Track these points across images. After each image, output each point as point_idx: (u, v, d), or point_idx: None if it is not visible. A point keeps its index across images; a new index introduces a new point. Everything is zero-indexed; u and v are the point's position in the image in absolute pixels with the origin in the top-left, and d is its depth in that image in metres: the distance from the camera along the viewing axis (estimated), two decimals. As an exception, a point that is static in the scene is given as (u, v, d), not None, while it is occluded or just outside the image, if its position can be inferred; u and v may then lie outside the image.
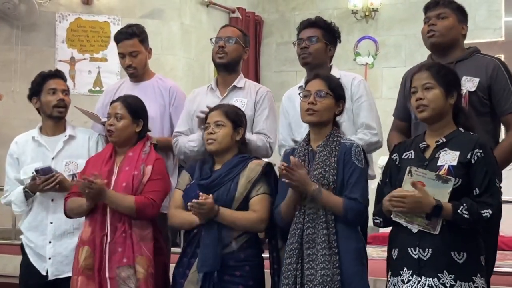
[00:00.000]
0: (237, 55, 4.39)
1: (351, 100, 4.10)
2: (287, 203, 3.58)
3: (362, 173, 3.55)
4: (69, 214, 4.10)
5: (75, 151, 4.35)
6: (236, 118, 3.87)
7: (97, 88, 8.95)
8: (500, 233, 7.61)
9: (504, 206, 7.55)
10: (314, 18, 4.29)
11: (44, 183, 4.17)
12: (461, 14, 4.01)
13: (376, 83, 10.21)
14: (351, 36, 10.45)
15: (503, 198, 7.02)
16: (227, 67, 4.36)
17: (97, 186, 3.79)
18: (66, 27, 9.02)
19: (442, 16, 3.95)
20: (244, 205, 3.74)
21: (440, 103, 3.29)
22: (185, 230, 3.92)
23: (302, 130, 3.98)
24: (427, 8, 4.06)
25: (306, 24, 4.26)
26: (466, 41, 10.15)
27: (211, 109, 3.94)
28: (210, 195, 3.63)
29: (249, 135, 4.10)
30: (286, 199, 3.58)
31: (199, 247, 3.72)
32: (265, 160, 4.00)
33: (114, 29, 8.92)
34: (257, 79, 10.82)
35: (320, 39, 4.19)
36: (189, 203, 3.62)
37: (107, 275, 3.85)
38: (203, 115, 4.03)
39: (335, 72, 4.19)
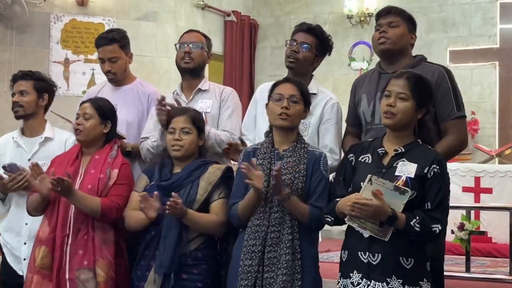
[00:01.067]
0: (202, 60, 4.43)
1: (320, 119, 4.13)
2: (246, 203, 3.60)
3: (327, 183, 3.62)
4: (29, 211, 4.10)
5: (50, 153, 4.30)
6: (200, 124, 3.94)
7: (94, 85, 8.91)
8: (493, 240, 7.70)
9: (495, 213, 7.62)
10: (314, 25, 4.29)
11: (11, 182, 4.16)
12: (411, 23, 4.09)
13: (370, 88, 10.21)
14: (346, 41, 10.48)
15: (494, 204, 7.06)
16: (193, 72, 4.39)
17: (67, 183, 3.77)
18: (61, 28, 8.99)
19: (393, 24, 4.02)
20: (202, 208, 3.79)
21: (409, 116, 3.34)
22: (140, 230, 3.90)
23: (265, 128, 3.95)
24: (378, 16, 4.14)
25: (304, 28, 4.25)
26: (463, 48, 10.14)
27: (176, 113, 3.96)
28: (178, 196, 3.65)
29: (213, 130, 4.17)
30: (246, 199, 3.60)
31: (158, 249, 3.75)
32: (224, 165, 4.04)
33: (108, 31, 8.90)
34: (251, 83, 10.83)
35: (312, 48, 4.20)
36: (168, 202, 3.61)
37: (66, 276, 3.84)
38: (162, 103, 4.03)
39: (313, 84, 4.22)
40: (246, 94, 10.45)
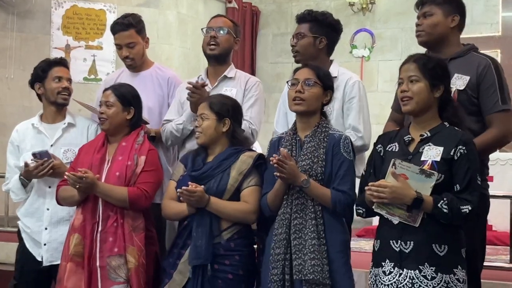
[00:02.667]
0: (228, 46, 4.38)
1: (342, 100, 4.09)
2: (275, 193, 3.58)
3: (350, 165, 3.56)
4: (60, 202, 4.10)
5: (73, 139, 4.33)
6: (221, 110, 3.84)
7: (92, 76, 8.92)
8: (493, 228, 7.70)
9: (496, 201, 7.60)
10: (303, 13, 4.25)
11: (37, 169, 4.14)
12: (450, 5, 3.97)
13: (372, 76, 10.21)
14: (347, 28, 10.37)
15: (495, 192, 7.05)
16: (218, 58, 4.35)
17: (88, 180, 3.78)
18: (62, 14, 8.98)
19: (427, 14, 3.95)
20: (235, 197, 3.74)
21: (425, 97, 3.30)
22: (178, 220, 3.90)
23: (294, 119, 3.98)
24: (417, 6, 4.07)
25: (297, 20, 4.25)
26: (465, 35, 10.11)
27: (201, 101, 3.94)
28: (202, 186, 3.63)
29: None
30: (274, 190, 3.58)
31: (189, 239, 3.71)
32: (257, 151, 3.99)
33: (110, 17, 8.89)
34: (252, 70, 10.81)
35: (306, 34, 4.16)
36: (178, 190, 3.63)
37: (97, 263, 3.84)
38: (190, 86, 4.06)
39: (334, 68, 4.16)
40: (248, 81, 10.43)
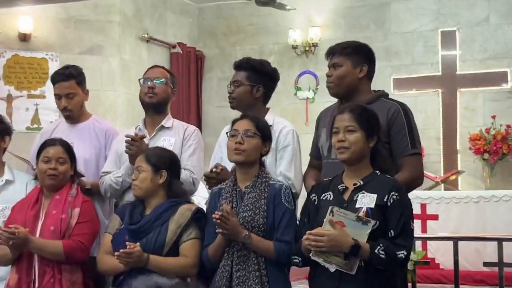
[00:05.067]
0: (166, 96, 4.41)
1: (276, 148, 4.09)
2: (216, 247, 3.58)
3: (292, 215, 3.58)
4: None
5: (12, 196, 4.24)
6: (158, 162, 3.83)
7: (35, 126, 8.80)
8: (440, 267, 7.77)
9: (442, 242, 7.64)
10: (240, 60, 4.27)
11: None
12: (358, 56, 4.02)
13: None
14: (291, 70, 10.55)
15: (440, 234, 7.11)
16: (156, 107, 4.37)
17: (20, 236, 3.73)
18: (3, 64, 8.88)
19: (337, 65, 4.01)
20: (174, 250, 3.71)
21: (361, 146, 3.38)
22: (113, 275, 3.84)
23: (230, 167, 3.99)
24: (327, 56, 4.13)
25: (234, 67, 4.27)
26: (406, 75, 10.23)
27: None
28: (138, 243, 3.59)
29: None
30: (215, 244, 3.58)
31: None
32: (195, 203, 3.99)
33: (52, 66, 8.82)
34: (199, 114, 10.81)
35: (243, 82, 4.17)
36: (116, 253, 3.57)
37: None
38: (128, 138, 4.06)
39: (270, 116, 4.18)
40: (194, 125, 10.39)
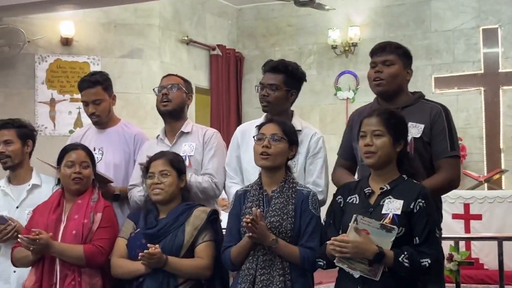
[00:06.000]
0: (181, 101, 4.40)
1: (306, 154, 4.09)
2: (240, 249, 3.58)
3: (318, 221, 3.58)
4: (15, 264, 4.08)
5: (38, 200, 4.27)
6: (180, 166, 3.91)
7: (77, 129, 8.89)
8: (484, 267, 7.67)
9: (486, 242, 7.57)
10: (277, 62, 4.21)
11: (1, 233, 4.14)
12: (407, 59, 4.02)
13: (357, 117, 10.24)
14: (331, 71, 10.52)
15: (484, 234, 7.03)
16: (172, 114, 4.37)
17: (41, 242, 3.78)
18: (46, 68, 9.01)
19: (388, 63, 3.96)
20: (189, 252, 3.76)
21: (388, 151, 3.35)
22: (129, 279, 3.86)
23: (249, 167, 4.01)
24: (373, 53, 4.06)
25: (268, 69, 4.19)
26: (447, 74, 10.18)
27: (154, 158, 3.94)
28: (157, 245, 3.64)
29: (194, 177, 4.14)
30: (239, 246, 3.58)
31: None
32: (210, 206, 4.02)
33: (93, 69, 8.93)
34: (239, 115, 10.84)
35: (281, 86, 4.12)
36: (140, 254, 3.60)
37: None
38: (143, 164, 4.04)
39: (296, 121, 4.15)
40: (234, 127, 10.40)
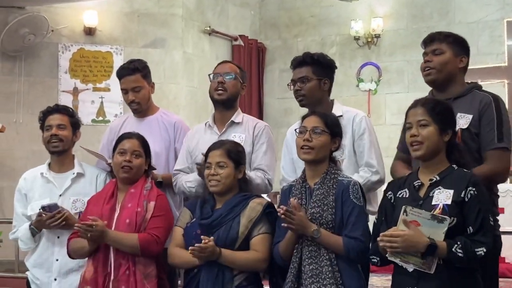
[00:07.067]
0: (236, 91, 4.36)
1: (352, 137, 4.07)
2: (286, 243, 3.56)
3: (361, 211, 3.53)
4: (72, 255, 4.08)
5: (82, 189, 4.31)
6: (237, 157, 3.83)
7: (100, 118, 8.97)
8: (506, 261, 7.62)
9: (509, 236, 7.51)
10: (301, 57, 4.20)
11: (50, 219, 4.13)
12: (459, 46, 3.96)
13: (379, 109, 10.21)
14: (353, 62, 10.48)
15: (507, 228, 6.97)
16: (226, 103, 4.34)
17: (97, 228, 3.77)
18: (69, 58, 9.06)
19: (438, 52, 3.91)
20: (245, 244, 3.71)
21: (435, 141, 3.27)
22: (185, 269, 3.88)
23: (301, 165, 3.96)
24: (424, 43, 4.03)
25: (295, 64, 4.20)
26: (471, 66, 10.10)
27: (212, 147, 3.89)
28: (212, 238, 3.59)
29: (247, 173, 4.07)
30: (285, 239, 3.56)
31: (199, 286, 3.69)
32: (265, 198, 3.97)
33: (116, 59, 8.97)
34: (260, 106, 10.84)
35: (311, 77, 4.12)
36: (190, 247, 3.58)
37: None
38: (202, 159, 3.99)
39: (337, 107, 4.15)
40: (256, 117, 10.43)
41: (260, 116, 10.54)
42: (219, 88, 4.31)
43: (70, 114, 4.45)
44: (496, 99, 3.87)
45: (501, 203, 7.72)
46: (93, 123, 8.89)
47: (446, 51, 3.91)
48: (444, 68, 3.90)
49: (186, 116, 8.89)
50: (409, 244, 3.09)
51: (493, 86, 9.64)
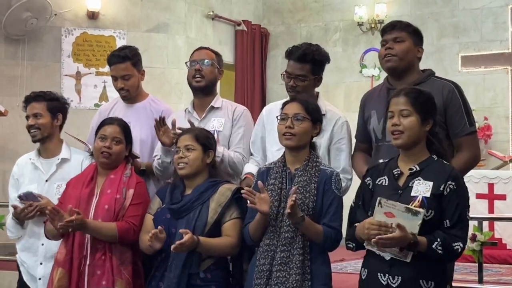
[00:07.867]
0: (213, 77, 4.41)
1: (330, 139, 4.10)
2: (255, 225, 3.59)
3: (340, 202, 3.58)
4: (48, 236, 4.12)
5: (67, 174, 4.30)
6: (206, 141, 3.88)
7: (103, 102, 8.94)
8: (507, 247, 7.65)
9: (510, 223, 7.53)
10: (303, 51, 4.12)
11: (23, 211, 4.16)
12: (417, 37, 4.05)
13: (382, 95, 10.20)
14: (357, 48, 10.47)
15: (508, 215, 6.99)
16: (205, 90, 4.38)
17: (77, 222, 3.79)
18: (72, 42, 9.06)
19: (399, 39, 3.97)
20: (214, 229, 3.74)
21: (416, 130, 3.29)
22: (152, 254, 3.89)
23: (273, 149, 4.03)
24: (383, 31, 4.09)
25: (295, 58, 4.12)
26: (474, 53, 10.10)
27: (182, 133, 3.95)
28: (188, 231, 3.58)
29: (227, 151, 4.16)
30: (255, 221, 3.59)
31: (167, 271, 3.73)
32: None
33: (119, 43, 8.96)
34: (263, 91, 10.84)
35: (309, 76, 4.10)
36: (172, 246, 3.56)
37: None
38: (179, 131, 4.05)
39: (321, 103, 4.11)
40: (258, 103, 10.46)
41: (263, 101, 10.54)
42: (197, 76, 4.35)
43: (48, 99, 4.42)
44: (457, 86, 3.99)
45: (503, 189, 7.86)
46: (96, 107, 8.85)
47: (406, 40, 3.99)
48: (406, 56, 3.98)
49: (189, 101, 8.87)
50: (397, 244, 3.12)
51: (496, 72, 9.66)
